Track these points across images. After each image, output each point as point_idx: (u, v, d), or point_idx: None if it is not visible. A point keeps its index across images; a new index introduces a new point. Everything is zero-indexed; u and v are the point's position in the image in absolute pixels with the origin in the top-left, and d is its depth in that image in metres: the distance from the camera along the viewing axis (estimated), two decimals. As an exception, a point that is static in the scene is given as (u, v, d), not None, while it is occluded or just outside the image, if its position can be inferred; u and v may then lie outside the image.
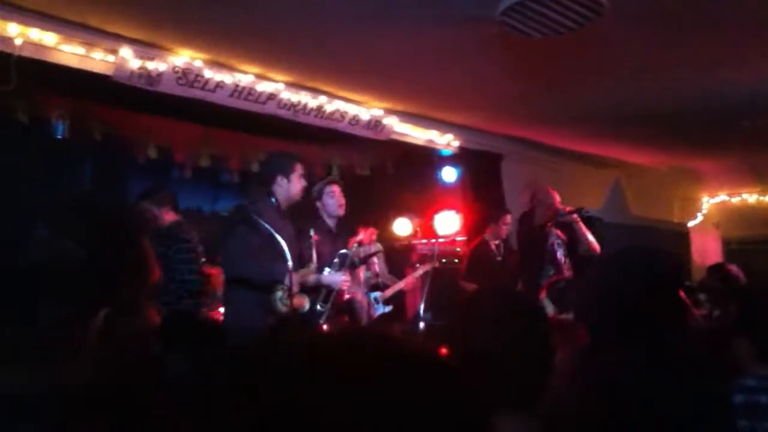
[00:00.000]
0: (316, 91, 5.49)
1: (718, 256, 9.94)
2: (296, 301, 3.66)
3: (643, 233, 7.51)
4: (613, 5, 3.84)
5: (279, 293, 3.59)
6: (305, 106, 5.41)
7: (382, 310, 5.96)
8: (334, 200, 4.48)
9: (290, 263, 3.59)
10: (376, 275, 5.90)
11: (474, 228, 6.65)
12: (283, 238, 3.60)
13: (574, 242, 5.17)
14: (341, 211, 4.51)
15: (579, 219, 5.13)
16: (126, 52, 4.36)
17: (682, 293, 1.58)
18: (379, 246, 5.94)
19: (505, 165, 7.34)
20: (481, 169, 7.18)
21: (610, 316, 1.54)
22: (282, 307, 3.58)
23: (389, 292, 6.09)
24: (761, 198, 10.36)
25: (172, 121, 5.25)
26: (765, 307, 2.23)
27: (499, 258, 5.81)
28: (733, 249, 10.26)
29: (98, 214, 1.07)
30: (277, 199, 3.87)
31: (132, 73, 4.38)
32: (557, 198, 5.24)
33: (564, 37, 4.18)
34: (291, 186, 3.88)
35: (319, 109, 5.52)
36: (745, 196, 10.47)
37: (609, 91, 5.96)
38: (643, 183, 9.16)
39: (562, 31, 4.06)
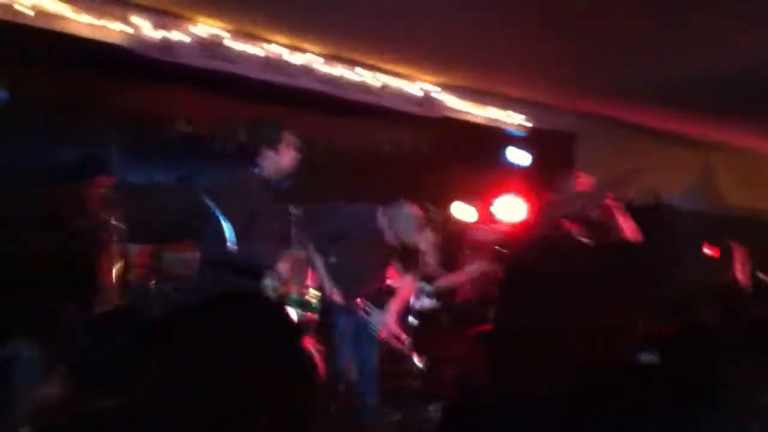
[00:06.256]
0: (354, 63, 5.12)
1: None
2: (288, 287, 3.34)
3: (737, 225, 6.65)
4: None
5: (269, 280, 3.17)
6: (345, 79, 5.03)
7: (428, 303, 5.54)
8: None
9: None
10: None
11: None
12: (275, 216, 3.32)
13: (606, 230, 4.14)
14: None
15: (613, 203, 4.06)
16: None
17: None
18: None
19: (579, 146, 6.75)
20: (551, 151, 6.59)
21: None
22: (274, 296, 3.16)
23: (443, 285, 5.65)
24: None
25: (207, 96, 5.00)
26: None
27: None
28: None
29: None
30: (266, 172, 3.35)
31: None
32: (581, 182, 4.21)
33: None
34: (280, 158, 3.35)
35: (361, 83, 5.12)
36: None
37: (702, 54, 5.13)
38: (744, 167, 8.19)
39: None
